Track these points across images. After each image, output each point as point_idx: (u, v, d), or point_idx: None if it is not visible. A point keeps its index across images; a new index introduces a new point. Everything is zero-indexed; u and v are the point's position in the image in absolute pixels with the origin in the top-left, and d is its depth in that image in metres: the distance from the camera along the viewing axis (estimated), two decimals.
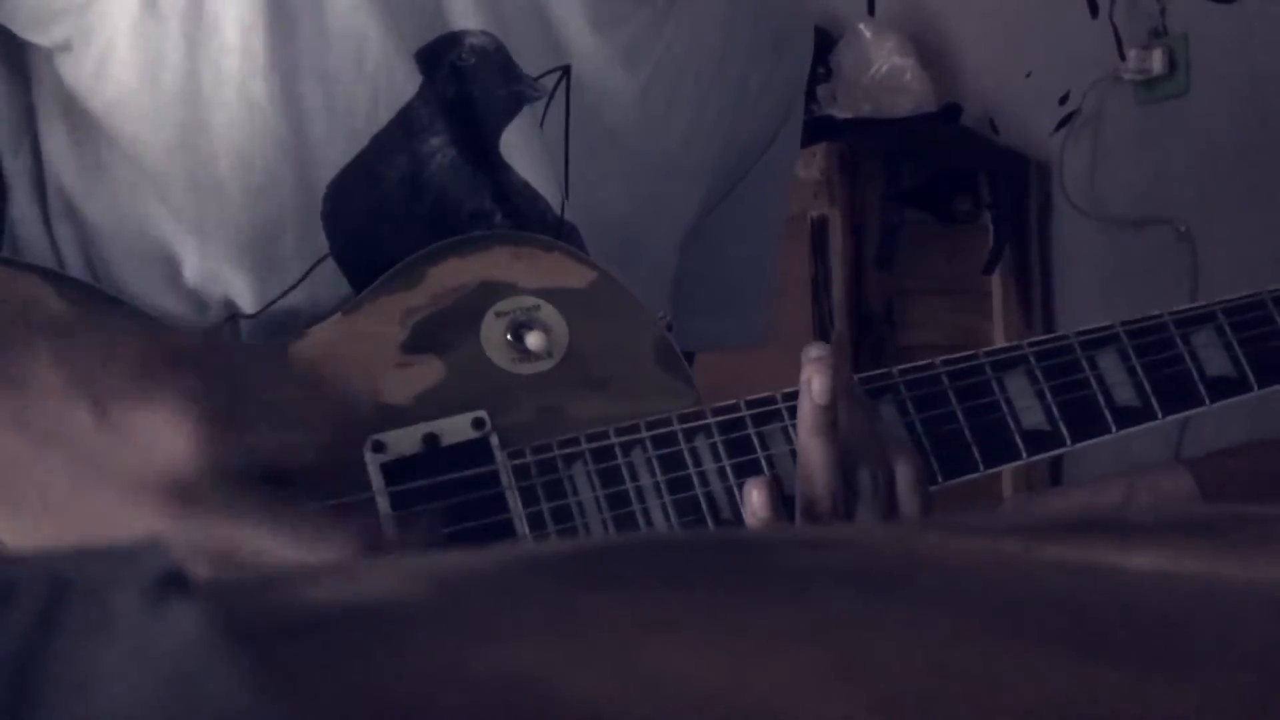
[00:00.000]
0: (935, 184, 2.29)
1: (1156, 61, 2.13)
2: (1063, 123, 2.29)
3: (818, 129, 2.21)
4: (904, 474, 0.69)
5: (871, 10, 2.53)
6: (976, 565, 0.25)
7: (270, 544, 0.54)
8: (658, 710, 0.18)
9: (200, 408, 0.53)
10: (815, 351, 0.69)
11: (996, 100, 2.41)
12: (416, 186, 0.72)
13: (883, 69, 2.32)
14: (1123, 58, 2.17)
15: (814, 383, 0.68)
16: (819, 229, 2.18)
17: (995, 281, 2.30)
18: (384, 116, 0.70)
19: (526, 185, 0.74)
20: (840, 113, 2.29)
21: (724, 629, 0.21)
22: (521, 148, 0.74)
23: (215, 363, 0.57)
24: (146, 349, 0.55)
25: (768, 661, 0.19)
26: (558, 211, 0.75)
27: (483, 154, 0.74)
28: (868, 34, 2.35)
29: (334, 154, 0.69)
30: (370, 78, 0.69)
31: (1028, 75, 2.35)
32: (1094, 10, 2.24)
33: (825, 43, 2.37)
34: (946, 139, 2.34)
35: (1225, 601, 0.23)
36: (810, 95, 2.30)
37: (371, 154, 0.70)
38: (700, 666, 0.19)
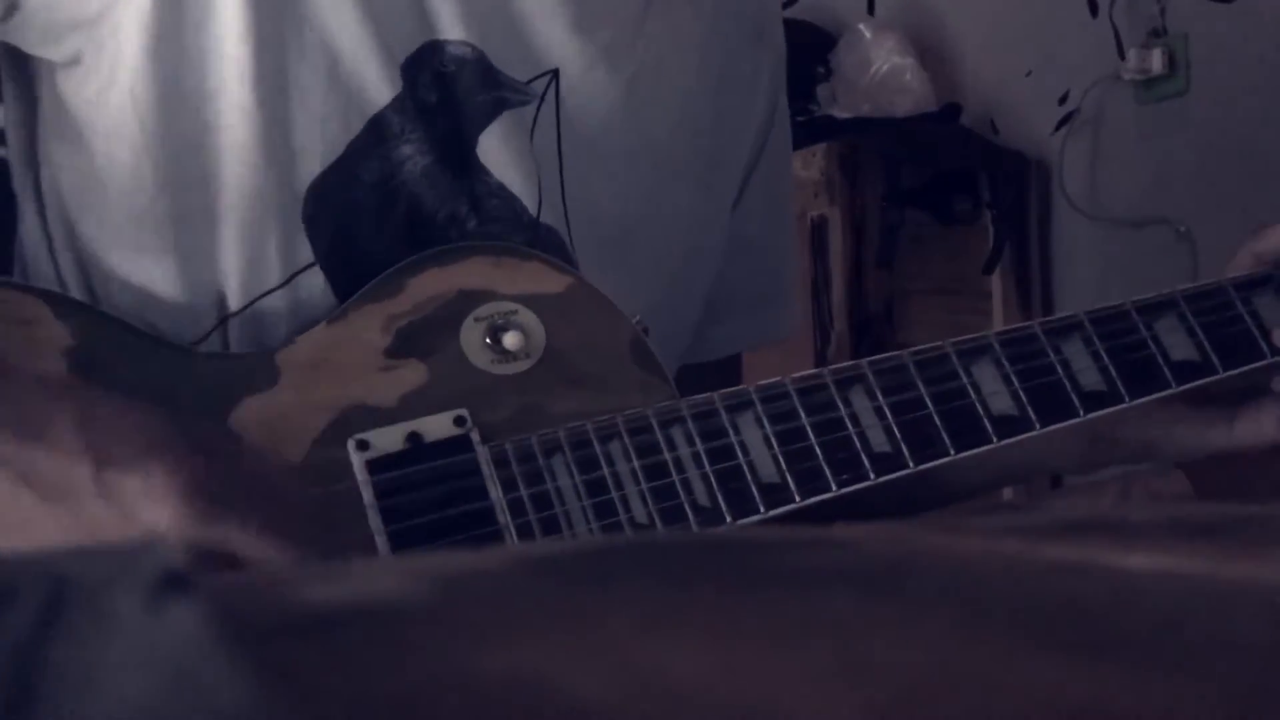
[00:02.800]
0: (935, 184, 2.29)
1: (1156, 61, 2.12)
2: (1062, 122, 2.29)
3: (818, 129, 2.21)
4: None
5: (871, 10, 2.53)
6: (976, 565, 0.25)
7: None
8: (657, 711, 0.18)
9: (190, 485, 0.56)
10: None
11: (996, 100, 2.41)
12: (389, 191, 0.75)
13: (883, 69, 2.32)
14: (1122, 57, 2.17)
15: None
16: (819, 229, 2.18)
17: (995, 281, 2.30)
18: (358, 124, 0.73)
19: (502, 187, 0.77)
20: (840, 113, 2.29)
21: (724, 629, 0.21)
22: (498, 151, 0.77)
23: (223, 453, 0.60)
24: (157, 424, 0.58)
25: (768, 662, 0.19)
26: (534, 213, 0.78)
27: (460, 158, 0.76)
28: (868, 34, 2.35)
29: (313, 161, 0.73)
30: (344, 87, 0.73)
31: (1028, 75, 2.35)
32: (1094, 10, 2.24)
33: (825, 43, 2.37)
34: (946, 139, 2.34)
35: (1224, 601, 0.23)
36: (810, 95, 2.30)
37: (347, 160, 0.73)
38: (700, 667, 0.19)
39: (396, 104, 0.74)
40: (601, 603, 0.22)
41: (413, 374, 0.71)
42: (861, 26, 2.37)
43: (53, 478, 0.56)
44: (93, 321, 0.69)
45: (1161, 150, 2.16)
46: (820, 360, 2.12)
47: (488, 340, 0.72)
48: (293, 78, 0.72)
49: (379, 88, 0.73)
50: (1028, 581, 0.24)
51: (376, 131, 0.74)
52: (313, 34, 0.72)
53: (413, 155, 0.75)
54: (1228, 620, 0.22)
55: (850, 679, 0.19)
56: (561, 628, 0.20)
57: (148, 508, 0.56)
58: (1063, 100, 2.29)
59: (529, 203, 0.77)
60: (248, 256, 0.72)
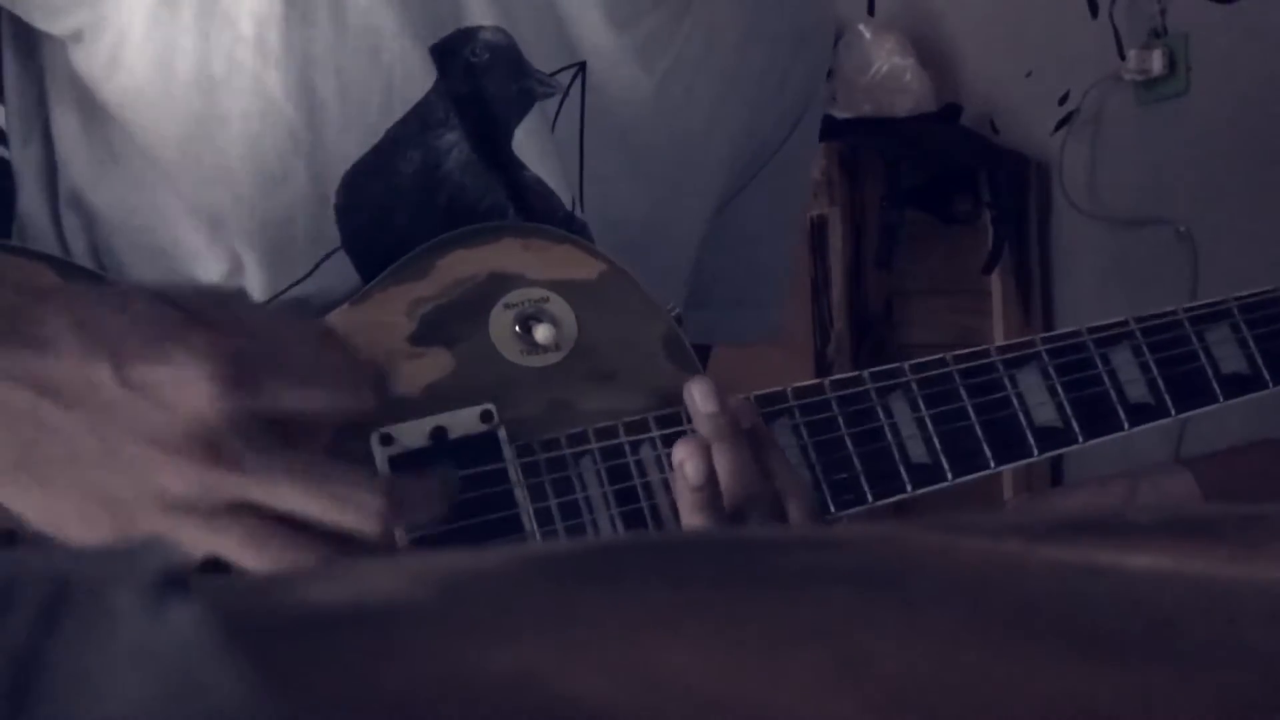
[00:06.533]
0: (935, 184, 2.29)
1: (1156, 61, 2.12)
2: (1062, 123, 2.29)
3: None
4: (795, 513, 0.68)
5: (871, 10, 2.53)
6: (977, 565, 0.25)
7: (295, 495, 0.55)
8: (658, 710, 0.18)
9: (218, 363, 0.55)
10: (696, 394, 0.68)
11: (996, 100, 2.40)
12: (432, 181, 0.72)
13: (883, 69, 2.32)
14: (1123, 58, 2.17)
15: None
16: (819, 229, 2.18)
17: (995, 281, 2.30)
18: (399, 110, 0.70)
19: (539, 181, 0.74)
20: (840, 113, 2.29)
21: (725, 629, 0.20)
22: (533, 145, 0.74)
23: (230, 321, 0.58)
24: (161, 311, 0.56)
25: (768, 661, 0.19)
26: (569, 208, 0.75)
27: (495, 151, 0.74)
28: (868, 34, 2.35)
29: (348, 146, 0.70)
30: (385, 71, 0.69)
31: (1028, 75, 2.34)
32: (1094, 10, 2.24)
33: None
34: (946, 139, 2.33)
35: (1225, 601, 0.23)
36: None
37: (387, 147, 0.70)
38: (701, 666, 0.19)
39: (440, 88, 0.71)
40: (601, 603, 0.22)
41: (438, 363, 0.68)
42: (861, 27, 2.37)
43: (70, 383, 0.54)
44: None
45: (1161, 150, 2.16)
46: (820, 360, 2.11)
47: (517, 329, 0.69)
48: (329, 60, 0.68)
49: (423, 71, 0.70)
50: (1028, 581, 0.24)
51: (421, 117, 0.70)
52: (351, 13, 0.68)
53: (456, 143, 0.72)
54: (1228, 620, 0.22)
55: (850, 679, 0.19)
56: (561, 628, 0.20)
57: (184, 393, 0.54)
58: (1063, 100, 2.29)
59: (564, 197, 0.75)
60: (269, 248, 0.70)
